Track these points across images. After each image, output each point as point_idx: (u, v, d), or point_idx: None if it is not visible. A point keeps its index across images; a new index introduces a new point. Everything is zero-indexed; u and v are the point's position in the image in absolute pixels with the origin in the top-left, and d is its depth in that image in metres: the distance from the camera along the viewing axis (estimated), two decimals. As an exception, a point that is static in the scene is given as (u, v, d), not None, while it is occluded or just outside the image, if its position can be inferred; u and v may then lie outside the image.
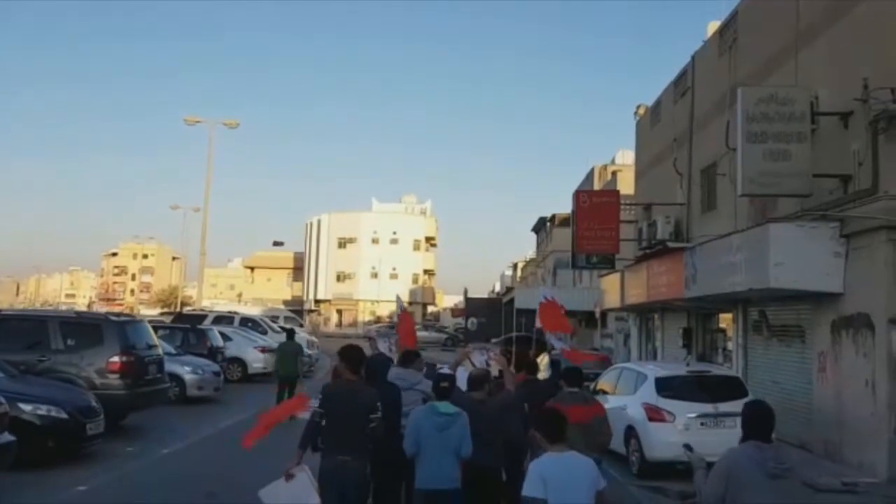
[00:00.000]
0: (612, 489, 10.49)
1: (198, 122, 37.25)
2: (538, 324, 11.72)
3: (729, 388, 11.93)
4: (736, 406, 11.28)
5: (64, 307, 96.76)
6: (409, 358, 8.15)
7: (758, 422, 4.42)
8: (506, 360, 8.72)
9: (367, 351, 8.37)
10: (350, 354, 6.55)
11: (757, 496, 4.22)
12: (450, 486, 6.08)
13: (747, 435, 4.41)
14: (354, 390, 6.36)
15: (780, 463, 4.31)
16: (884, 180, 11.05)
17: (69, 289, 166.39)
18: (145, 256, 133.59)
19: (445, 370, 7.40)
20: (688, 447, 5.73)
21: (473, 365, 9.15)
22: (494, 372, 8.68)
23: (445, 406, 6.21)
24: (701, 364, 16.57)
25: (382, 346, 11.33)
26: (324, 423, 6.22)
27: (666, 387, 11.64)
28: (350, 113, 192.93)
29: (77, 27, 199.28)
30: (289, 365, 17.23)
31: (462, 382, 7.38)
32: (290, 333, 19.18)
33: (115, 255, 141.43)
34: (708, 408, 11.21)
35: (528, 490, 4.35)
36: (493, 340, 34.91)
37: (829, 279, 12.01)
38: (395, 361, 8.31)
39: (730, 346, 17.15)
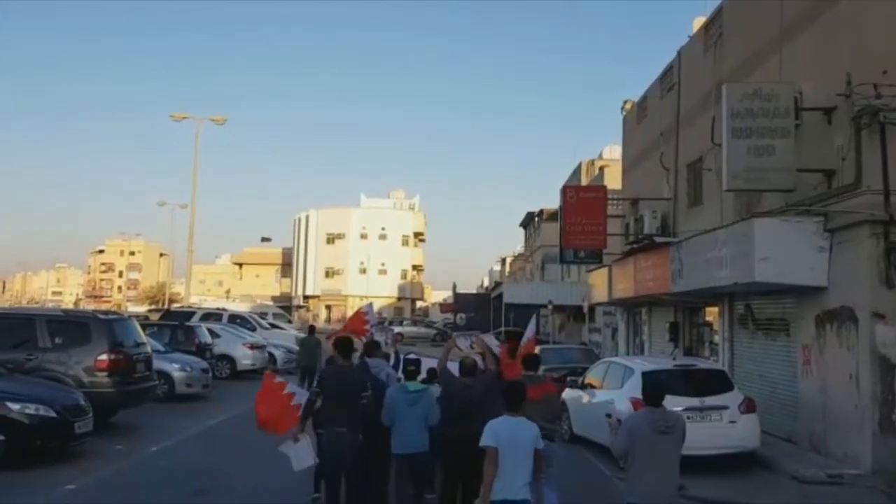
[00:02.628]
0: (598, 483, 10.66)
1: (185, 118, 37.12)
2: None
3: (715, 381, 12.03)
4: (722, 400, 11.51)
5: (51, 305, 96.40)
6: (373, 348, 9.62)
7: (651, 394, 6.18)
8: (486, 344, 9.83)
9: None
10: (343, 344, 7.88)
11: (648, 446, 5.90)
12: (421, 449, 7.53)
13: (645, 403, 6.23)
14: (347, 374, 7.70)
15: (665, 423, 6.00)
16: (867, 175, 11.16)
17: (56, 286, 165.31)
18: (132, 253, 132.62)
19: (411, 356, 8.72)
20: (608, 415, 8.88)
21: (460, 349, 10.27)
22: (478, 350, 9.83)
23: (413, 385, 7.70)
24: (687, 358, 16.67)
25: (379, 338, 11.92)
26: (319, 401, 7.55)
27: (653, 381, 11.72)
28: (338, 108, 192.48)
29: (62, 23, 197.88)
30: (309, 356, 19.55)
31: (454, 370, 8.37)
32: (311, 329, 21.82)
33: (101, 252, 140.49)
34: (694, 401, 11.28)
35: (484, 441, 5.70)
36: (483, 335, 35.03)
37: (814, 273, 12.11)
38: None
39: (716, 339, 17.27)
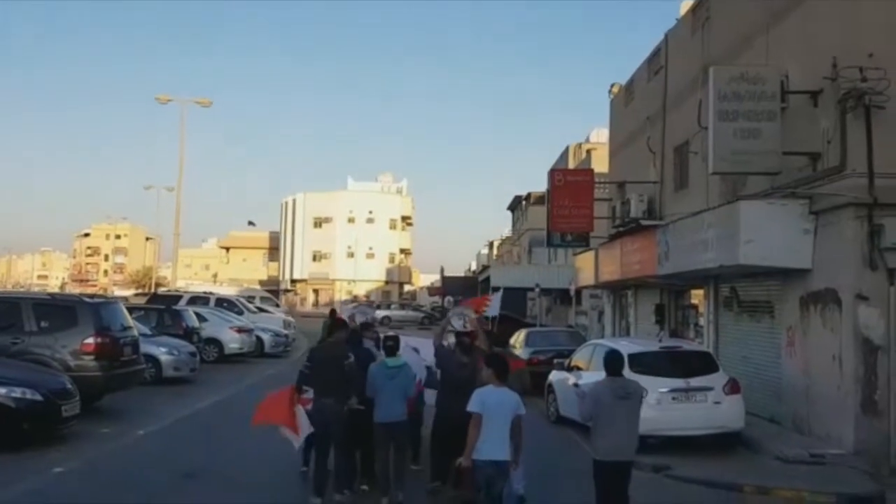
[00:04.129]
0: (582, 460, 10.73)
1: (169, 100, 36.81)
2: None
3: (700, 363, 12.15)
4: (707, 381, 11.61)
5: (36, 289, 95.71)
6: (364, 328, 10.56)
7: (612, 364, 7.08)
8: (478, 324, 10.32)
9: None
10: (333, 324, 9.17)
11: (610, 411, 6.77)
12: (399, 419, 8.26)
13: (606, 373, 7.04)
14: (332, 348, 8.58)
15: (625, 390, 6.91)
16: (852, 158, 11.21)
17: (41, 270, 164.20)
18: (118, 237, 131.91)
19: (390, 334, 9.45)
20: (576, 385, 9.54)
21: (454, 328, 10.61)
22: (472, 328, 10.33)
23: (392, 361, 8.43)
24: (673, 340, 16.78)
25: (360, 319, 12.19)
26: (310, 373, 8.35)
27: (639, 363, 11.72)
28: (325, 92, 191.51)
29: (48, 6, 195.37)
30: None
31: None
32: (332, 312, 22.18)
33: (87, 235, 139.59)
34: (679, 383, 11.39)
35: (471, 406, 6.55)
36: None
37: (798, 255, 12.18)
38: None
39: (701, 321, 17.37)
